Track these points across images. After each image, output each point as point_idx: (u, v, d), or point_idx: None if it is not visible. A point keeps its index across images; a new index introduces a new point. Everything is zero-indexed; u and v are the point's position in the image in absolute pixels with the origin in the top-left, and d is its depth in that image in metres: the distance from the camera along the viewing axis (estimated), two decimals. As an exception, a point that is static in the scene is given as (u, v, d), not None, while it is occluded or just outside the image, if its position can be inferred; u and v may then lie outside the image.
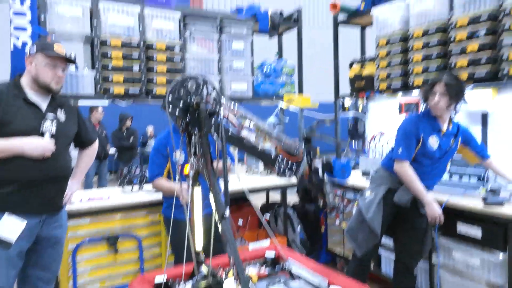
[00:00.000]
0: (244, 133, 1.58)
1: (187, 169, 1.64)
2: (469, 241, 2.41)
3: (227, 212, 1.41)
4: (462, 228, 2.44)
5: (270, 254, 2.00)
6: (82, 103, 2.91)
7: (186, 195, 1.94)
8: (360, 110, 4.09)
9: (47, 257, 2.08)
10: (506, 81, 2.49)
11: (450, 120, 2.48)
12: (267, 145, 1.64)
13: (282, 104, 3.86)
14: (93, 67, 2.90)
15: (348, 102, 4.05)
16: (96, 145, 2.39)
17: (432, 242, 2.54)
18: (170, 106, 1.45)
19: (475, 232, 2.36)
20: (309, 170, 1.75)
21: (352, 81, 3.83)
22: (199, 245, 1.75)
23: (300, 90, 4.01)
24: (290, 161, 1.64)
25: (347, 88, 3.96)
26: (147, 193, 2.92)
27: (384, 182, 2.50)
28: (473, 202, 2.42)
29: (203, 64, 3.29)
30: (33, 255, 2.04)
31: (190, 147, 1.55)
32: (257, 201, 4.48)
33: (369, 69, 3.63)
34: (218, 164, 1.52)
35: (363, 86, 3.69)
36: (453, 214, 2.46)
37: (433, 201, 2.38)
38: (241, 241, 3.43)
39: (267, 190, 3.89)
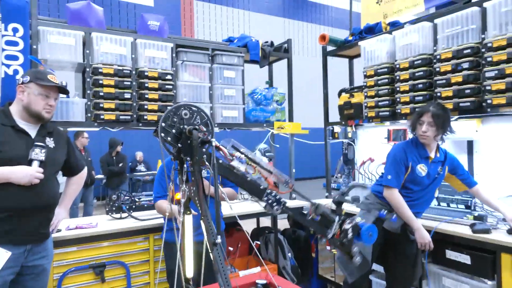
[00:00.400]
0: (235, 163, 1.60)
1: (178, 196, 1.65)
2: (458, 268, 2.42)
3: (219, 239, 1.41)
4: (451, 255, 2.45)
5: (261, 282, 1.98)
6: (71, 129, 2.91)
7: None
8: (350, 136, 4.16)
9: (31, 287, 2.02)
10: (491, 111, 2.58)
11: (438, 147, 2.55)
12: (257, 177, 1.66)
13: (273, 130, 3.91)
14: (84, 94, 2.92)
15: (337, 128, 4.12)
16: (84, 173, 2.38)
17: (423, 268, 2.54)
18: (163, 133, 1.47)
19: (464, 259, 2.38)
20: (340, 231, 1.79)
21: (341, 108, 3.92)
22: (189, 272, 1.73)
23: (291, 116, 4.08)
24: (278, 195, 1.65)
25: (336, 115, 4.05)
26: (136, 220, 2.87)
27: (374, 208, 2.52)
28: (461, 229, 2.45)
29: (195, 92, 3.34)
30: (17, 286, 1.98)
31: (182, 174, 1.57)
32: (247, 226, 4.43)
33: (357, 98, 3.73)
34: (210, 189, 1.53)
35: (352, 114, 3.78)
36: (442, 241, 2.48)
37: (422, 227, 2.41)
38: (231, 268, 3.37)
39: (258, 215, 3.87)
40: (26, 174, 1.88)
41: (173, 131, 1.49)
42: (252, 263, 3.60)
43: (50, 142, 2.07)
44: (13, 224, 1.89)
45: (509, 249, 2.14)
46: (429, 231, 2.48)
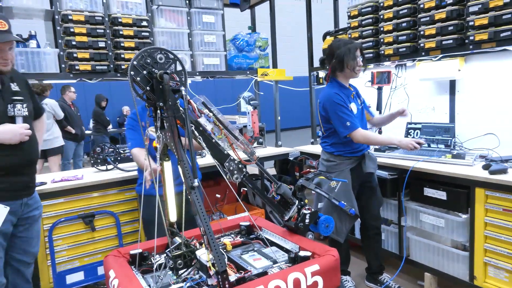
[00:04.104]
0: (202, 120, 1.59)
1: (155, 143, 1.64)
2: (435, 204, 2.52)
3: (196, 183, 1.43)
4: (429, 192, 2.54)
5: (245, 224, 2.05)
6: (48, 81, 2.83)
7: (152, 172, 1.93)
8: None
9: (27, 237, 2.07)
10: (473, 48, 2.55)
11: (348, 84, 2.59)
12: (222, 140, 1.65)
13: (257, 78, 3.85)
14: (56, 44, 2.80)
15: (322, 74, 4.06)
16: (44, 117, 2.26)
17: (399, 207, 2.66)
18: (133, 71, 1.43)
19: (440, 195, 2.47)
20: (297, 215, 1.80)
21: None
22: (173, 216, 1.78)
23: (275, 63, 4.00)
24: (240, 163, 1.64)
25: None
26: (122, 172, 2.90)
27: (343, 167, 2.53)
28: (439, 167, 2.51)
29: (173, 39, 3.22)
30: (12, 237, 2.03)
31: (156, 120, 1.55)
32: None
33: (342, 41, 3.64)
34: (186, 141, 1.52)
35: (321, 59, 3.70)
36: (420, 180, 2.56)
37: (398, 137, 2.62)
38: (219, 215, 3.48)
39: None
40: (15, 133, 1.85)
41: (144, 72, 1.46)
42: (240, 209, 3.71)
43: (15, 87, 1.97)
44: (9, 181, 1.90)
45: (483, 184, 2.22)
46: (406, 170, 2.55)
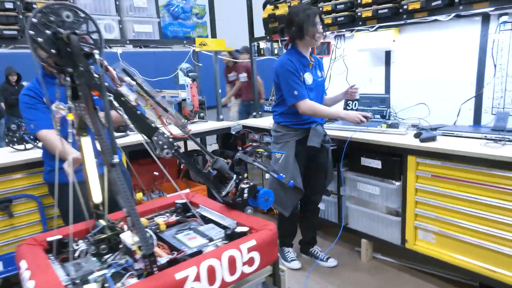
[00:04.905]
0: (123, 90, 1.41)
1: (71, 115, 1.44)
2: (371, 173, 2.59)
3: (116, 159, 1.27)
4: (365, 161, 2.60)
5: (181, 202, 1.93)
6: None
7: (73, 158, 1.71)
8: (276, 53, 4.04)
9: None
10: (406, 18, 2.57)
11: (310, 53, 2.52)
12: (149, 113, 1.48)
13: (195, 48, 3.64)
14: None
15: (263, 44, 3.95)
16: None
17: (339, 177, 2.69)
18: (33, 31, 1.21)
19: (376, 164, 2.54)
20: (235, 190, 1.69)
21: (266, 22, 3.71)
22: (97, 197, 1.61)
23: (213, 32, 3.80)
24: (171, 138, 1.51)
25: (262, 31, 3.85)
26: (42, 150, 2.60)
27: (289, 138, 2.48)
28: (375, 136, 2.56)
29: (98, 2, 2.89)
30: None
31: (68, 90, 1.35)
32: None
33: (282, 9, 3.52)
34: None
35: (277, 28, 3.60)
36: (358, 149, 2.61)
37: (345, 111, 2.61)
38: (159, 193, 3.32)
39: (185, 138, 3.76)
40: None
41: (48, 32, 1.24)
42: (181, 186, 3.57)
43: None
44: None
45: (414, 151, 2.30)
46: (344, 141, 2.57)
